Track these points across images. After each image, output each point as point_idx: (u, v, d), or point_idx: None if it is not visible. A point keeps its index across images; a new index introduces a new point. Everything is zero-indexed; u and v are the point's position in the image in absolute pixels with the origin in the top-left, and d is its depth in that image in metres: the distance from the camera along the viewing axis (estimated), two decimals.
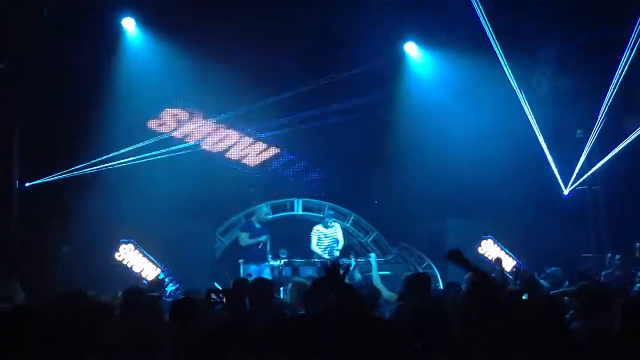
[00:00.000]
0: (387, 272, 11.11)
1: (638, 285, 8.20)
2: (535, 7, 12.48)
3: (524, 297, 6.04)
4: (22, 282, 7.57)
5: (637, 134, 12.56)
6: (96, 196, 11.39)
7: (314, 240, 12.16)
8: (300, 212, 13.78)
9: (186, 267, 11.41)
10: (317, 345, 3.22)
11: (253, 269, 11.49)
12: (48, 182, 11.58)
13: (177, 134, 13.24)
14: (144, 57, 12.74)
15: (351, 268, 9.35)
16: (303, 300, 6.19)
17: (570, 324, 4.97)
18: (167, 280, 11.13)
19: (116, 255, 11.40)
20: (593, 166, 13.32)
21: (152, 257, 11.54)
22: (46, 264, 11.09)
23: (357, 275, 11.45)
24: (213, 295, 4.65)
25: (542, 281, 8.35)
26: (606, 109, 12.73)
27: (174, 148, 12.75)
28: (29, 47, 11.03)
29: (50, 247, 11.44)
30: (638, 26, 11.98)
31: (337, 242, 12.26)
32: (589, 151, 13.33)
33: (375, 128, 13.74)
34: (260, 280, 6.26)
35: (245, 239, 11.89)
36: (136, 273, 11.37)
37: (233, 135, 13.79)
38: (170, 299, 8.81)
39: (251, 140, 13.94)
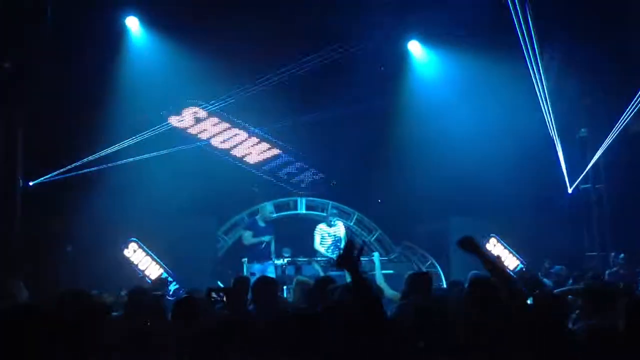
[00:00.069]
0: (391, 271, 11.06)
1: None
2: (541, 4, 12.46)
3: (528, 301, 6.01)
4: (26, 281, 7.60)
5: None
6: (99, 195, 11.39)
7: (317, 239, 12.13)
8: (304, 211, 13.79)
9: (189, 266, 11.41)
10: (318, 343, 3.22)
11: (257, 267, 11.40)
12: (51, 181, 11.59)
13: (192, 131, 13.48)
14: (147, 56, 12.76)
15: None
16: (306, 299, 6.20)
17: (575, 324, 4.97)
18: (169, 279, 11.14)
19: (125, 252, 11.39)
20: (597, 165, 13.29)
21: (155, 256, 11.55)
22: (50, 263, 11.12)
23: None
24: (213, 294, 4.64)
25: (545, 280, 8.33)
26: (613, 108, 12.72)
27: (176, 148, 12.73)
28: (32, 47, 11.03)
29: (54, 247, 11.46)
30: None
31: (340, 240, 12.24)
32: (593, 150, 13.32)
33: (378, 127, 13.73)
34: (264, 279, 6.25)
35: (248, 237, 11.81)
36: (141, 272, 11.37)
37: (242, 134, 13.88)
38: (173, 298, 8.81)
39: (257, 140, 13.98)
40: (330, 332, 3.51)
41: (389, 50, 13.62)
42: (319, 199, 13.86)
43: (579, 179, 13.48)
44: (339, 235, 12.24)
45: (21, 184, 11.22)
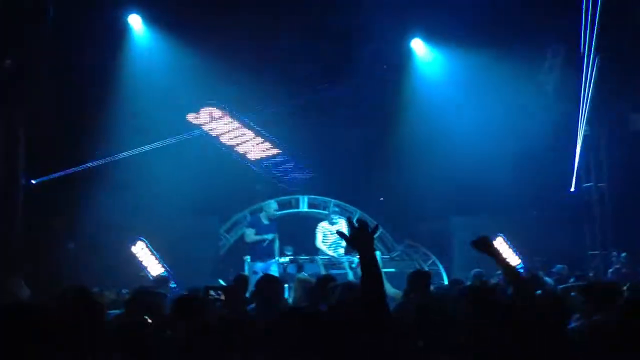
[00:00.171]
0: (392, 269, 11.07)
1: None
2: (543, 3, 12.45)
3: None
4: (28, 278, 7.61)
5: None
6: (101, 193, 11.40)
7: (319, 237, 12.11)
8: (306, 209, 13.78)
9: (190, 265, 11.41)
10: (319, 343, 3.21)
11: (259, 266, 11.28)
12: (53, 179, 11.59)
13: (205, 128, 13.62)
14: (150, 53, 12.75)
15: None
16: (307, 297, 6.19)
17: (577, 322, 4.96)
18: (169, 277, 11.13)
19: (132, 249, 11.39)
20: (599, 164, 13.27)
21: (157, 255, 11.56)
22: (51, 260, 11.12)
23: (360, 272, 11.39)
24: (211, 292, 4.63)
25: (547, 279, 8.32)
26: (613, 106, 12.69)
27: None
28: (33, 45, 11.03)
29: (56, 244, 11.47)
30: None
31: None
32: (595, 148, 13.29)
33: (381, 125, 13.73)
34: (268, 277, 6.20)
35: (250, 235, 11.68)
36: (144, 269, 11.37)
37: (248, 133, 14.00)
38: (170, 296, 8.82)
39: (261, 139, 14.04)
40: (332, 330, 3.50)
41: (392, 49, 13.60)
42: (320, 197, 13.85)
43: (584, 178, 13.45)
44: None
45: (23, 182, 11.22)
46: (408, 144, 13.47)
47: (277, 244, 11.70)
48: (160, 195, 11.87)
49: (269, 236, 11.54)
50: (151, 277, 10.93)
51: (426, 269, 12.57)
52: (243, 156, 13.99)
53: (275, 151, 14.16)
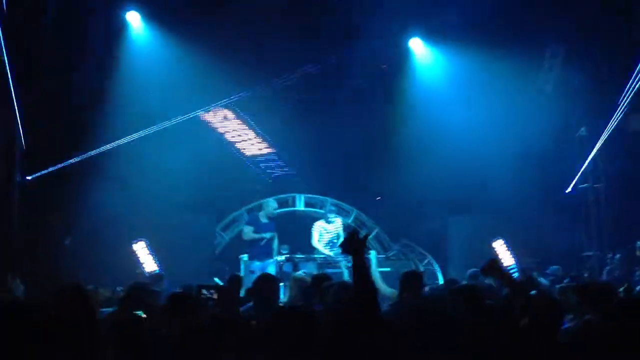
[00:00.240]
0: (388, 269, 11.08)
1: None
2: (542, 3, 12.46)
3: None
4: (24, 275, 7.61)
5: None
6: (98, 190, 11.39)
7: (315, 236, 12.12)
8: (302, 208, 13.79)
9: (185, 262, 11.39)
10: (312, 342, 3.23)
11: (256, 265, 11.24)
12: (49, 176, 11.55)
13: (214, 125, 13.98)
14: (148, 50, 12.73)
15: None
16: (303, 296, 6.19)
17: (571, 322, 4.99)
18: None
19: (134, 247, 11.38)
20: (596, 164, 13.28)
21: (154, 254, 11.55)
22: (48, 257, 11.11)
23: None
24: (204, 291, 4.63)
25: (542, 279, 8.34)
26: (611, 106, 12.68)
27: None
28: (31, 40, 11.02)
29: (52, 240, 11.46)
30: None
31: (338, 237, 12.23)
32: (592, 149, 13.30)
33: (379, 124, 13.74)
34: (266, 277, 6.18)
35: (248, 233, 11.62)
36: (141, 267, 11.37)
37: (250, 133, 14.15)
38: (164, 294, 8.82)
39: (260, 139, 14.15)
40: (327, 330, 3.51)
41: (391, 48, 13.60)
42: (317, 196, 13.87)
43: (580, 179, 13.46)
44: (337, 232, 12.24)
45: (19, 179, 11.21)
46: (405, 143, 13.48)
47: (275, 244, 11.62)
48: (157, 192, 11.87)
49: (267, 235, 11.47)
50: (147, 275, 10.93)
51: (422, 268, 12.60)
52: (242, 153, 14.11)
53: (270, 150, 14.26)
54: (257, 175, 14.45)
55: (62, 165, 11.55)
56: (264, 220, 11.74)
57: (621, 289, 7.27)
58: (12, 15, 10.35)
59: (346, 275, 10.51)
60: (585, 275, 11.41)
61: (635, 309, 3.98)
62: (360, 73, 13.23)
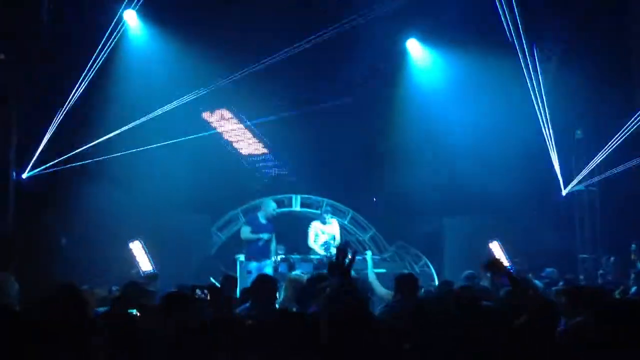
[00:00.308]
0: (383, 270, 11.08)
1: (634, 287, 8.18)
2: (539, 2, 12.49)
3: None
4: (19, 274, 7.56)
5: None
6: (94, 189, 11.37)
7: (311, 237, 12.11)
8: (299, 209, 13.79)
9: (181, 262, 11.39)
10: (305, 344, 3.22)
11: (253, 265, 11.16)
12: (46, 174, 11.53)
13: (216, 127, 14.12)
14: (145, 49, 12.71)
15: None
16: (297, 296, 6.17)
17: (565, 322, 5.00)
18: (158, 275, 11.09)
19: (130, 245, 11.34)
20: (591, 167, 13.31)
21: (149, 254, 11.52)
22: (43, 256, 11.08)
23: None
24: (197, 291, 4.62)
25: (536, 281, 8.35)
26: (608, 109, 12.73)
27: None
28: (27, 40, 10.99)
29: (48, 240, 11.43)
30: None
31: (334, 238, 12.23)
32: (588, 152, 13.33)
33: (375, 125, 13.75)
34: (263, 278, 6.15)
35: (246, 232, 11.52)
36: (137, 266, 11.35)
37: (247, 133, 14.21)
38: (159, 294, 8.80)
39: (257, 139, 14.17)
40: (321, 331, 3.51)
41: (388, 49, 13.61)
42: (314, 197, 13.86)
43: (576, 181, 13.49)
44: (332, 233, 12.23)
45: (14, 177, 11.18)
46: (402, 145, 13.50)
47: (273, 245, 11.52)
48: (153, 192, 11.85)
49: (265, 236, 11.35)
50: (142, 274, 10.91)
51: (418, 270, 12.62)
52: (238, 153, 14.14)
53: (265, 150, 14.31)
54: (254, 175, 14.43)
55: (58, 162, 11.52)
56: (262, 220, 11.63)
57: (617, 292, 7.30)
58: (8, 12, 10.33)
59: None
60: (582, 277, 11.43)
61: (629, 311, 3.99)
62: (357, 74, 13.22)
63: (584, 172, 13.31)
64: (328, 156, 14.06)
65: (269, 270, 10.95)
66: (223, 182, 13.05)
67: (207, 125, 14.09)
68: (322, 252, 11.88)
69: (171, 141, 12.37)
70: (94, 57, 11.70)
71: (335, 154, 13.97)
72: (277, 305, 5.96)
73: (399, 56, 14.05)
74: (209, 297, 4.62)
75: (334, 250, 11.94)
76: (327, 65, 13.19)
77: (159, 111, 12.06)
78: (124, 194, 11.60)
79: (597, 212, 13.51)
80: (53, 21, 11.13)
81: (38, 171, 11.51)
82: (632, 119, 12.04)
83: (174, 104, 12.19)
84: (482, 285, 6.86)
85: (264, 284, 5.75)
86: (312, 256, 11.87)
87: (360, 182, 14.12)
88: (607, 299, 5.35)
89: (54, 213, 11.51)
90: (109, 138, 11.90)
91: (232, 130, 14.40)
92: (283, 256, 11.80)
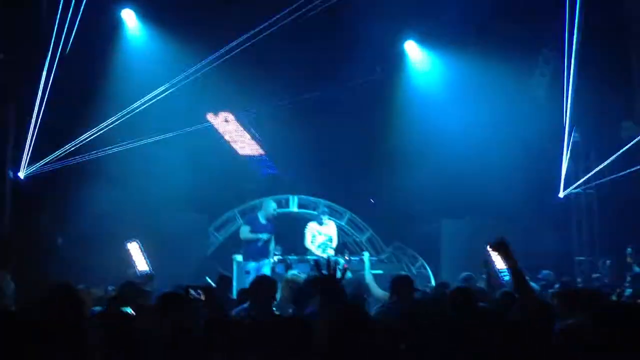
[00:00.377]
0: (380, 271, 11.09)
1: (629, 290, 8.21)
2: (536, 8, 12.48)
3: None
4: (16, 273, 7.57)
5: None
6: (91, 189, 11.36)
7: (308, 237, 12.11)
8: (296, 209, 13.78)
9: (177, 262, 11.35)
10: (299, 346, 3.22)
11: (252, 266, 11.14)
12: (42, 174, 11.50)
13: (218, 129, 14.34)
14: (143, 48, 12.71)
15: (339, 267, 9.25)
16: (295, 297, 6.16)
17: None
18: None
19: (128, 245, 11.31)
20: (588, 170, 13.32)
21: (146, 255, 11.49)
22: (40, 255, 11.07)
23: (348, 274, 11.38)
24: (191, 292, 4.61)
25: (533, 283, 8.34)
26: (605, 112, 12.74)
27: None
28: (26, 40, 10.98)
29: (45, 239, 11.42)
30: None
31: (331, 239, 12.23)
32: (585, 155, 13.34)
33: (373, 127, 13.75)
34: (261, 279, 6.11)
35: (245, 232, 11.47)
36: (134, 266, 11.32)
37: (246, 135, 14.30)
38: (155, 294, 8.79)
39: (255, 141, 14.22)
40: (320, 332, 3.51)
41: (386, 51, 13.62)
42: (311, 198, 13.87)
43: (573, 184, 13.49)
44: (329, 234, 12.23)
45: (11, 177, 11.16)
46: (400, 146, 13.50)
47: (272, 245, 11.48)
48: (151, 191, 11.84)
49: (264, 236, 11.30)
50: (138, 274, 10.89)
51: (414, 271, 12.63)
52: (236, 153, 14.19)
53: (262, 152, 14.36)
54: (251, 175, 14.44)
55: (56, 159, 11.50)
56: (262, 221, 11.59)
57: (614, 295, 7.30)
58: (8, 12, 10.32)
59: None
60: (579, 280, 11.43)
61: (625, 314, 3.99)
62: (355, 75, 13.22)
63: (582, 175, 13.31)
64: (326, 157, 14.06)
65: (267, 270, 10.96)
66: (220, 183, 13.05)
67: (203, 120, 14.07)
68: (319, 253, 11.88)
69: (169, 134, 12.35)
70: (92, 56, 11.72)
71: (333, 155, 13.97)
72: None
73: (397, 58, 14.06)
74: (203, 298, 4.62)
75: (330, 252, 11.97)
76: (326, 66, 13.20)
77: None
78: (120, 194, 11.58)
79: (595, 215, 13.51)
80: (51, 19, 11.11)
81: (35, 168, 11.48)
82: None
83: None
84: (478, 287, 6.86)
85: (263, 285, 5.71)
86: (309, 257, 11.87)
87: (358, 183, 14.12)
88: (603, 302, 5.34)
89: (51, 213, 11.50)
90: (106, 135, 11.87)
91: (231, 130, 14.47)
92: (280, 257, 11.78)
